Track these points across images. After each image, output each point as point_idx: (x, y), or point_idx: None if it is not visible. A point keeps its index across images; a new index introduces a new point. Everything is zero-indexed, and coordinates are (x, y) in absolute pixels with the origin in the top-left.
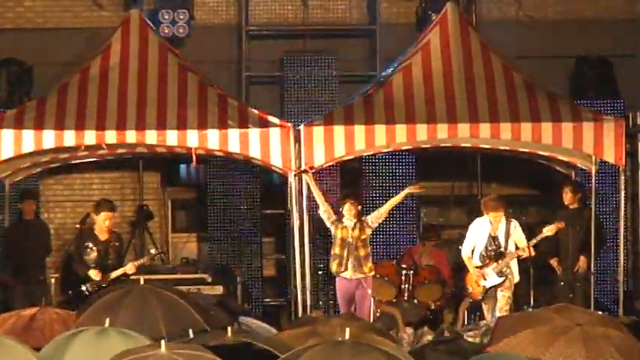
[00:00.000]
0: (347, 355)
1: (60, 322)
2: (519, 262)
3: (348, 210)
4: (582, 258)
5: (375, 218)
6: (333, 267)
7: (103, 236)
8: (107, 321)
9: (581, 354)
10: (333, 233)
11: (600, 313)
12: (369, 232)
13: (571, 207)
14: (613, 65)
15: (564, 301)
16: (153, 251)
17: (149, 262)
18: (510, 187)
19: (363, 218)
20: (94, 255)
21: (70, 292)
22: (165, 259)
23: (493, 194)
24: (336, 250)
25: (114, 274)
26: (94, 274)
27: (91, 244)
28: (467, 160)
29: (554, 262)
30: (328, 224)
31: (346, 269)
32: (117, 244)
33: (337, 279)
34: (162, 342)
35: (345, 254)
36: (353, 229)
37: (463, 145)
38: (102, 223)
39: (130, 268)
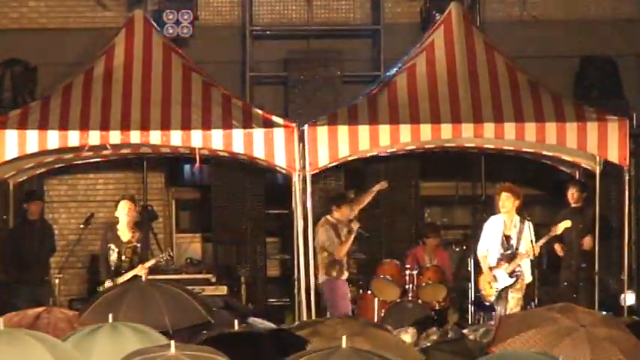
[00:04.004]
0: None
1: (65, 321)
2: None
3: (349, 211)
4: (587, 238)
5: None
6: (334, 273)
7: (125, 236)
8: (110, 317)
9: (586, 356)
10: (337, 240)
11: (604, 313)
12: None
13: (573, 205)
14: (617, 65)
15: (568, 302)
16: (162, 255)
17: (156, 264)
18: None
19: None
20: (114, 256)
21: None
22: (171, 261)
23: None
24: (341, 255)
25: (123, 278)
26: (108, 283)
27: (113, 246)
28: (471, 161)
29: (557, 247)
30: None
31: (343, 273)
32: (138, 244)
33: (336, 282)
34: (172, 342)
35: (344, 258)
36: (348, 231)
37: (467, 145)
38: (122, 212)
39: (139, 269)
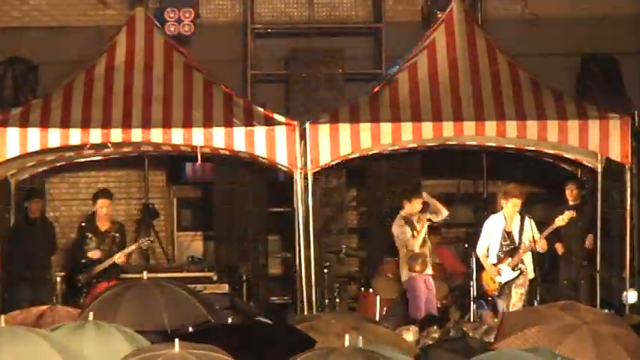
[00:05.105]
0: None
1: (69, 319)
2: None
3: (421, 204)
4: (590, 236)
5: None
6: (417, 267)
7: (103, 226)
8: (90, 315)
9: (590, 353)
10: (410, 232)
11: (606, 311)
12: None
13: (571, 203)
14: (619, 63)
15: (569, 299)
16: (142, 240)
17: (138, 249)
18: None
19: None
20: (92, 245)
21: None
22: (151, 245)
23: (511, 185)
24: (416, 248)
25: (102, 266)
26: (93, 254)
27: (90, 234)
28: (472, 158)
29: (558, 246)
30: (408, 229)
31: (427, 267)
32: (117, 234)
33: (415, 280)
34: (177, 340)
35: (426, 251)
36: (423, 224)
37: (469, 143)
38: (100, 210)
39: (118, 257)
